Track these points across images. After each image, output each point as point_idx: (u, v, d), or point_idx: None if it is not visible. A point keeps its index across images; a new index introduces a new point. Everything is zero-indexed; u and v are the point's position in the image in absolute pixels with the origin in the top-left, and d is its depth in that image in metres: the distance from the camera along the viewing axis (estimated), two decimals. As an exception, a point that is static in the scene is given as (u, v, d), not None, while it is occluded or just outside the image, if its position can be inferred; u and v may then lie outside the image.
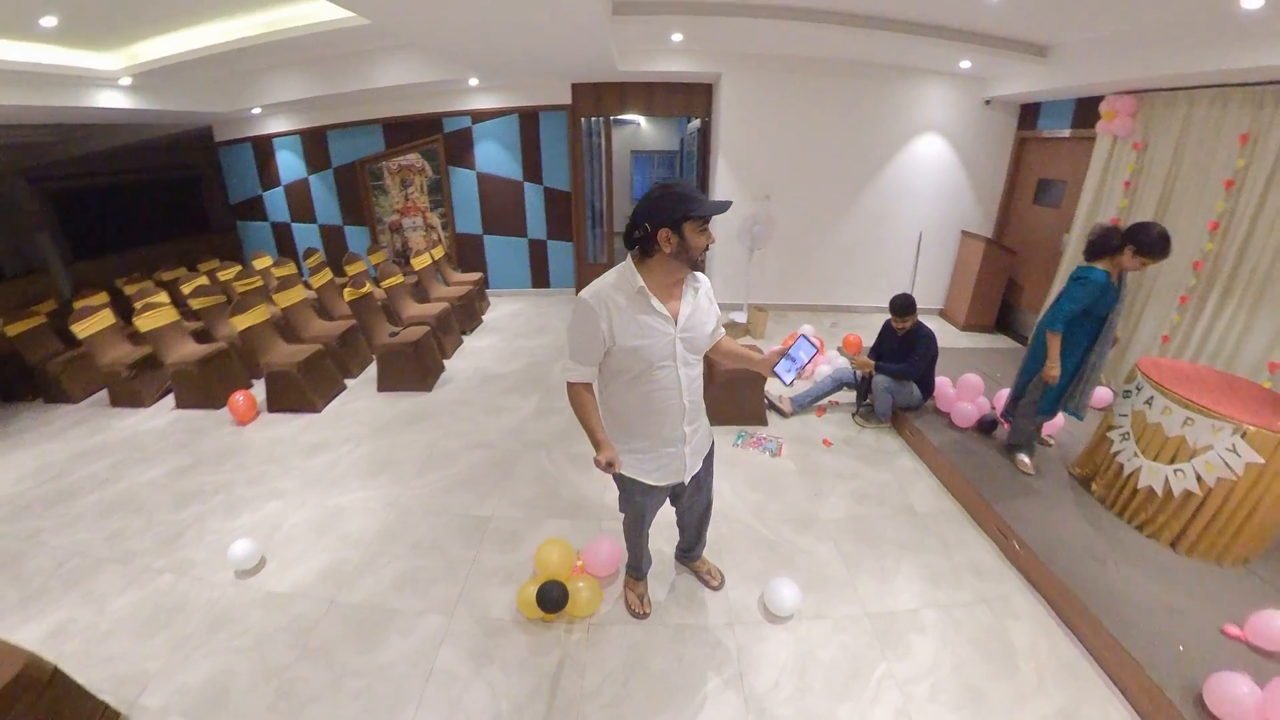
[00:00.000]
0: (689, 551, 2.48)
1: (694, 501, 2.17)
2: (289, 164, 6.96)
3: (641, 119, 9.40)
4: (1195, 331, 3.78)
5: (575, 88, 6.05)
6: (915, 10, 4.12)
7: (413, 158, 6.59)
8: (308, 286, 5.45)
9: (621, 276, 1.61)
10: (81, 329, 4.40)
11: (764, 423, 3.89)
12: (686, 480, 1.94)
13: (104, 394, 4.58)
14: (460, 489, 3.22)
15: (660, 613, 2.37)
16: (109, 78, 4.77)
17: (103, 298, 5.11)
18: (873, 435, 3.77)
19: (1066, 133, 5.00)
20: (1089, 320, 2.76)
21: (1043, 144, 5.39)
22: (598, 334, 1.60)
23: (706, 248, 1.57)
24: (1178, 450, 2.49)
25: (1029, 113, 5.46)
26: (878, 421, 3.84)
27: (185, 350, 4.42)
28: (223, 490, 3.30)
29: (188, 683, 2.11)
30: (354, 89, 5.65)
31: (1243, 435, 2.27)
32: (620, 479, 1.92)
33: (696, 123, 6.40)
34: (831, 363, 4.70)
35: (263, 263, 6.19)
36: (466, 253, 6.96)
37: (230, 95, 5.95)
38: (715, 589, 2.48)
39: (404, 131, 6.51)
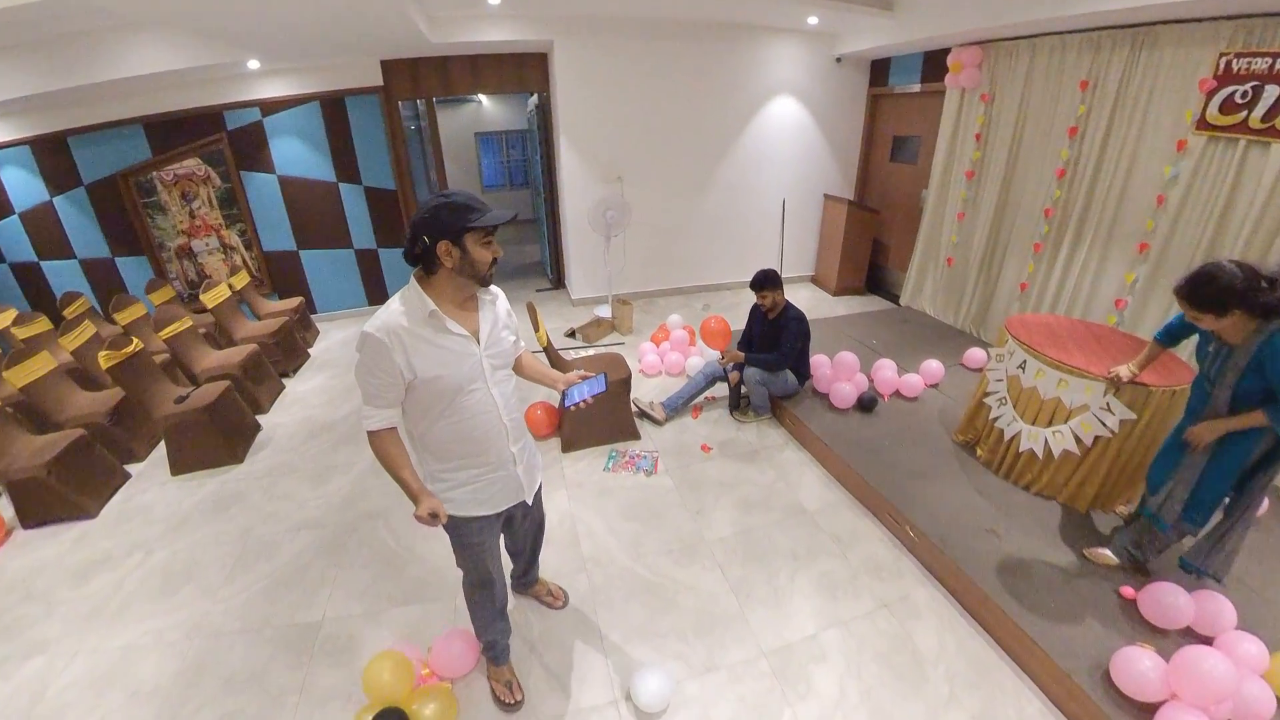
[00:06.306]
0: (525, 576, 2.29)
1: (527, 522, 1.99)
2: (22, 184, 5.08)
3: (482, 98, 8.17)
4: (1051, 278, 3.78)
5: (386, 66, 4.91)
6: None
7: (192, 164, 5.07)
8: (61, 348, 4.03)
9: (407, 302, 1.43)
10: None
11: (636, 436, 3.40)
12: (529, 499, 1.80)
13: None
14: (282, 589, 2.56)
15: (535, 699, 1.97)
16: None
17: None
18: (754, 431, 3.43)
19: (917, 88, 4.81)
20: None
21: (895, 100, 5.19)
22: (394, 370, 1.41)
23: (494, 261, 1.43)
24: (1054, 412, 2.42)
25: (880, 69, 5.21)
26: (756, 415, 3.51)
27: None
28: (-58, 664, 2.31)
29: None
30: (93, 81, 4.11)
31: (1115, 393, 2.21)
32: (452, 527, 1.67)
33: (536, 98, 5.48)
34: (703, 354, 4.28)
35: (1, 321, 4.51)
36: (280, 274, 5.56)
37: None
38: (560, 609, 2.31)
39: (174, 132, 4.95)
